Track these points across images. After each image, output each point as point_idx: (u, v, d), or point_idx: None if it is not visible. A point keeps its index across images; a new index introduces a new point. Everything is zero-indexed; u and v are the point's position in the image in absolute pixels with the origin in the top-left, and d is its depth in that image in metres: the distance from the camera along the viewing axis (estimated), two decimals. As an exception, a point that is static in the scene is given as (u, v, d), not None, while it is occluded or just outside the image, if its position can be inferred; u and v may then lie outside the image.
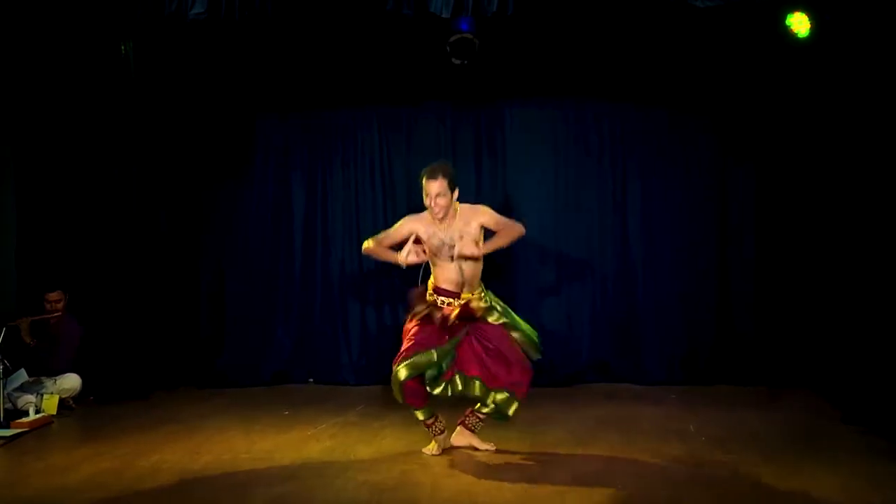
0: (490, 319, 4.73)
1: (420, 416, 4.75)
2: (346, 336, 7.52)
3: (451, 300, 4.69)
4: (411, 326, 4.68)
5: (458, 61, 6.72)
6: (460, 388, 4.68)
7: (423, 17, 5.62)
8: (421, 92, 7.41)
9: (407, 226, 4.77)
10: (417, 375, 4.57)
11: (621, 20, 6.59)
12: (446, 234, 4.66)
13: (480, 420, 4.85)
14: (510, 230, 4.76)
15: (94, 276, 7.21)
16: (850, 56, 5.90)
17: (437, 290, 4.74)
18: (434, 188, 4.58)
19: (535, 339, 4.82)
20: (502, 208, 7.33)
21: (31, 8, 5.89)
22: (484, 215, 4.77)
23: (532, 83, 7.32)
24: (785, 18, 6.19)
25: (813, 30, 6.11)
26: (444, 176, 4.60)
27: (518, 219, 7.15)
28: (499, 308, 4.82)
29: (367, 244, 4.90)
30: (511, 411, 4.72)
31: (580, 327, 7.33)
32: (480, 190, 7.45)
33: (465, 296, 4.68)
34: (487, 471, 4.55)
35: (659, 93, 7.21)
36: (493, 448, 4.82)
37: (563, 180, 7.39)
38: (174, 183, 7.56)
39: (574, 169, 7.38)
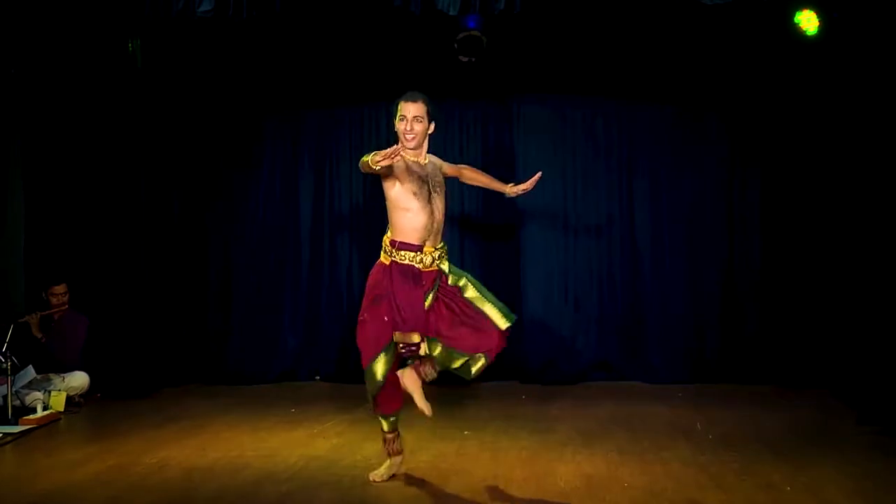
0: (451, 281, 4.23)
1: (385, 426, 4.33)
2: (352, 333, 7.47)
3: (415, 254, 4.13)
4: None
5: (465, 59, 6.70)
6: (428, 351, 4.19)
7: (430, 14, 5.62)
8: (429, 89, 7.26)
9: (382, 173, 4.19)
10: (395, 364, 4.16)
11: (629, 18, 6.57)
12: (424, 172, 4.21)
13: (434, 369, 4.19)
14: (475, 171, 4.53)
15: (103, 275, 7.22)
16: (858, 54, 5.87)
17: (400, 246, 4.14)
18: (412, 110, 4.15)
19: (503, 310, 4.23)
20: (509, 205, 7.37)
21: (39, 6, 5.88)
22: (445, 164, 4.42)
23: (540, 80, 7.30)
24: (793, 16, 6.17)
25: (821, 28, 6.08)
26: (424, 102, 4.19)
27: (524, 218, 7.34)
28: (453, 268, 4.30)
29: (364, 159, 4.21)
30: (474, 369, 4.17)
31: (587, 325, 7.31)
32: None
33: (428, 249, 4.16)
34: (495, 468, 4.54)
35: (666, 90, 7.19)
36: (429, 413, 4.11)
37: (571, 178, 7.36)
38: (182, 180, 7.56)
39: (582, 166, 7.36)
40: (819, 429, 5.41)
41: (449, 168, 4.43)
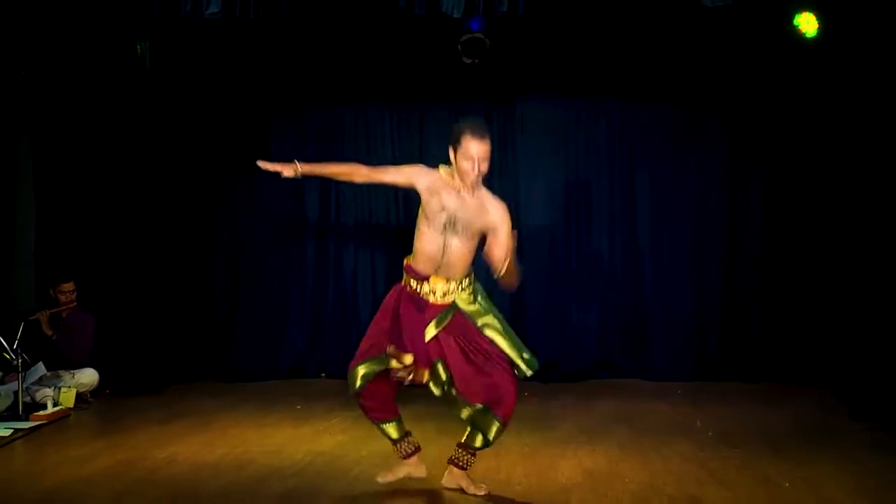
0: (478, 322, 3.87)
1: (390, 433, 4.05)
2: (357, 330, 7.49)
3: (419, 283, 3.87)
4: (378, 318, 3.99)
5: (469, 60, 6.71)
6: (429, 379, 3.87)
7: (434, 16, 5.61)
8: (433, 91, 7.39)
9: (412, 174, 3.92)
10: (378, 376, 3.89)
11: (630, 19, 6.56)
12: (452, 203, 3.80)
13: (471, 454, 3.96)
14: (512, 266, 3.80)
15: (111, 274, 7.23)
16: (856, 56, 5.86)
17: (408, 270, 3.91)
18: (483, 151, 3.70)
19: (525, 354, 3.86)
20: (514, 206, 7.36)
21: (49, 9, 5.89)
22: (503, 217, 3.85)
23: (543, 81, 7.29)
24: (793, 18, 6.17)
25: (821, 30, 6.08)
26: (490, 138, 3.78)
27: (526, 217, 7.33)
28: (483, 305, 3.93)
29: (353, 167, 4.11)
30: (492, 434, 3.83)
31: (589, 323, 7.31)
32: (491, 186, 7.35)
33: (435, 281, 3.85)
34: (498, 464, 4.53)
35: (667, 91, 7.18)
36: (485, 492, 3.97)
37: (574, 177, 7.37)
38: (188, 180, 7.56)
39: (584, 166, 7.37)
40: (819, 426, 5.41)
41: (495, 222, 3.85)
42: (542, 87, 7.32)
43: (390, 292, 4.02)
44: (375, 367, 3.87)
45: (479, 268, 3.93)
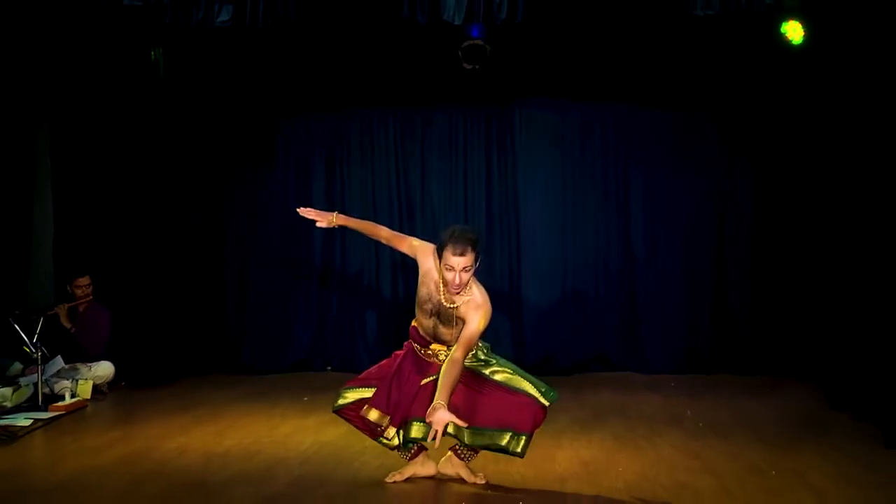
0: (485, 371, 3.92)
1: (389, 443, 4.04)
2: (361, 326, 7.54)
3: (422, 348, 4.00)
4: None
5: (469, 66, 6.73)
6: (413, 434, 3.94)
7: (436, 23, 5.64)
8: (434, 95, 7.41)
9: (422, 257, 3.95)
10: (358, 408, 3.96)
11: (625, 26, 6.59)
12: (439, 297, 3.85)
13: (474, 451, 4.06)
14: (458, 361, 3.67)
15: (127, 271, 7.26)
16: (841, 60, 5.88)
17: (412, 333, 4.04)
18: (461, 263, 3.71)
19: (542, 388, 3.90)
20: (511, 203, 7.41)
21: (68, 16, 5.92)
22: (476, 320, 3.76)
23: (540, 86, 7.31)
24: (780, 26, 6.19)
25: (806, 37, 6.11)
26: (473, 248, 3.75)
27: (524, 217, 7.36)
28: (484, 358, 3.97)
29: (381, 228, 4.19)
30: (521, 448, 3.85)
31: (585, 318, 7.32)
32: (490, 186, 7.48)
33: (437, 347, 3.96)
34: (497, 455, 4.54)
35: (661, 96, 7.20)
36: (484, 481, 4.04)
37: (571, 177, 7.39)
38: (201, 180, 7.59)
39: (580, 166, 7.38)
40: (804, 417, 5.44)
41: (470, 320, 3.79)
42: (540, 92, 7.33)
43: (406, 343, 4.08)
44: (363, 395, 3.98)
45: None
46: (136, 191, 7.33)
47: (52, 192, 7.40)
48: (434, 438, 3.48)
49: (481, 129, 7.49)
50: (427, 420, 3.51)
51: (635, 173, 7.33)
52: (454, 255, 3.72)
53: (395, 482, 4.07)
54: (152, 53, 6.95)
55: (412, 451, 4.10)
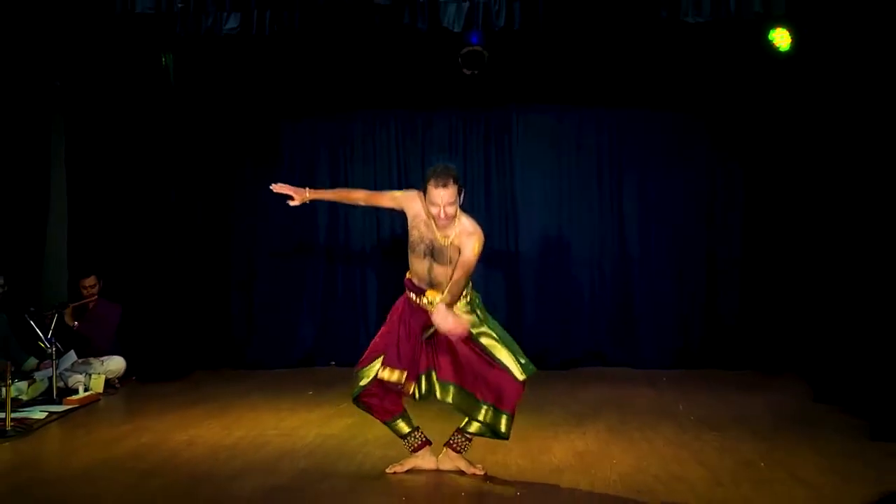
0: (473, 331, 3.83)
1: (401, 429, 4.03)
2: (365, 322, 7.52)
3: (418, 296, 3.94)
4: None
5: (468, 72, 6.72)
6: (434, 392, 3.91)
7: (436, 31, 5.65)
8: (434, 99, 7.40)
9: (403, 201, 3.97)
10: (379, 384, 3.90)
11: (619, 33, 6.57)
12: (430, 235, 3.86)
13: (468, 440, 4.02)
14: (459, 280, 3.70)
15: (138, 269, 7.26)
16: (827, 66, 5.88)
17: (407, 284, 4.00)
18: (445, 197, 3.72)
19: (521, 360, 3.84)
20: (510, 203, 7.38)
21: (83, 25, 5.91)
22: (471, 248, 3.78)
23: (538, 90, 7.30)
24: (768, 33, 6.18)
25: (793, 43, 6.10)
26: (455, 182, 3.77)
27: (522, 218, 7.33)
28: (480, 316, 3.92)
29: (354, 191, 4.28)
30: (503, 427, 3.85)
31: (580, 315, 7.31)
32: (490, 188, 7.46)
33: (431, 294, 3.89)
34: (495, 445, 4.53)
35: (654, 100, 7.19)
36: (483, 472, 4.01)
37: (567, 179, 7.38)
38: (209, 181, 7.57)
39: (576, 168, 7.37)
40: (792, 410, 5.42)
41: (461, 247, 3.80)
42: (537, 96, 7.31)
43: (398, 301, 4.06)
44: (376, 367, 3.91)
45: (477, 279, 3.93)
46: (146, 192, 7.33)
47: (66, 192, 7.40)
48: (429, 336, 3.68)
49: (480, 131, 7.48)
50: (432, 319, 3.54)
51: (629, 175, 7.32)
52: (437, 188, 3.74)
53: (395, 473, 4.04)
54: (163, 59, 6.97)
55: (416, 445, 4.06)
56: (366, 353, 4.01)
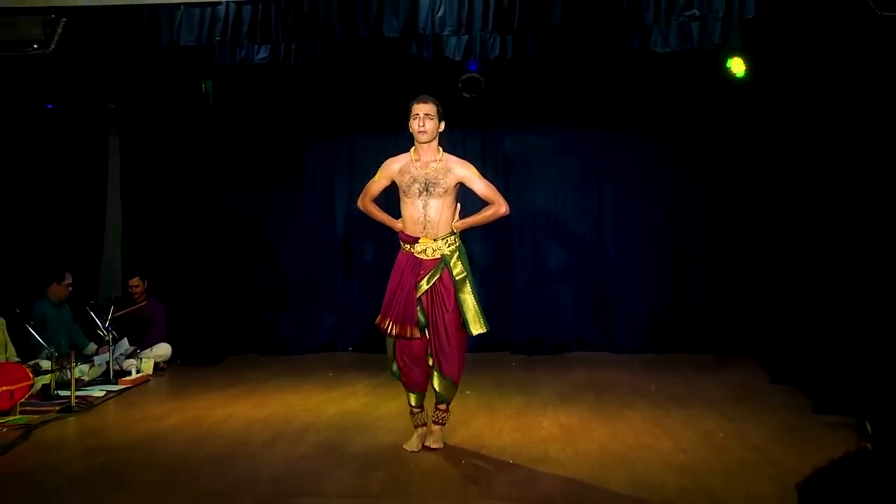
0: (454, 275, 3.79)
1: (412, 399, 3.99)
2: (378, 313, 7.51)
3: (412, 245, 3.81)
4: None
5: (467, 95, 6.76)
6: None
7: (439, 59, 5.69)
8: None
9: (385, 172, 3.93)
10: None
11: (597, 61, 6.63)
12: (421, 172, 3.76)
13: (445, 411, 4.00)
14: (496, 207, 3.81)
15: (183, 266, 7.26)
16: (777, 90, 5.92)
17: (400, 236, 3.87)
18: (423, 108, 3.71)
19: (480, 318, 3.83)
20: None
21: (135, 54, 5.97)
22: (468, 171, 3.79)
23: (528, 112, 7.31)
24: (726, 62, 6.24)
25: (748, 71, 6.16)
26: (434, 102, 3.76)
27: (515, 222, 7.36)
28: (466, 267, 3.86)
29: (361, 203, 4.13)
30: (449, 393, 3.95)
31: (565, 307, 7.32)
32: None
33: (424, 242, 3.77)
34: (491, 421, 4.61)
35: (627, 121, 7.20)
36: (441, 447, 3.98)
37: (553, 189, 7.36)
38: (244, 191, 7.58)
39: (561, 180, 7.36)
40: (747, 389, 5.47)
41: (463, 176, 3.82)
42: (528, 117, 7.33)
43: (398, 258, 3.97)
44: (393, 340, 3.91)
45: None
46: (188, 202, 7.34)
47: (120, 203, 7.47)
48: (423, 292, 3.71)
49: (478, 147, 7.48)
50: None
51: (607, 187, 7.32)
52: (417, 103, 3.73)
53: (412, 450, 3.94)
54: (203, 85, 7.03)
55: (417, 424, 4.04)
56: (381, 312, 3.97)
